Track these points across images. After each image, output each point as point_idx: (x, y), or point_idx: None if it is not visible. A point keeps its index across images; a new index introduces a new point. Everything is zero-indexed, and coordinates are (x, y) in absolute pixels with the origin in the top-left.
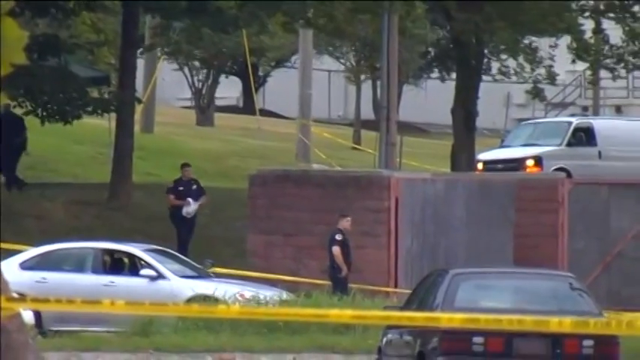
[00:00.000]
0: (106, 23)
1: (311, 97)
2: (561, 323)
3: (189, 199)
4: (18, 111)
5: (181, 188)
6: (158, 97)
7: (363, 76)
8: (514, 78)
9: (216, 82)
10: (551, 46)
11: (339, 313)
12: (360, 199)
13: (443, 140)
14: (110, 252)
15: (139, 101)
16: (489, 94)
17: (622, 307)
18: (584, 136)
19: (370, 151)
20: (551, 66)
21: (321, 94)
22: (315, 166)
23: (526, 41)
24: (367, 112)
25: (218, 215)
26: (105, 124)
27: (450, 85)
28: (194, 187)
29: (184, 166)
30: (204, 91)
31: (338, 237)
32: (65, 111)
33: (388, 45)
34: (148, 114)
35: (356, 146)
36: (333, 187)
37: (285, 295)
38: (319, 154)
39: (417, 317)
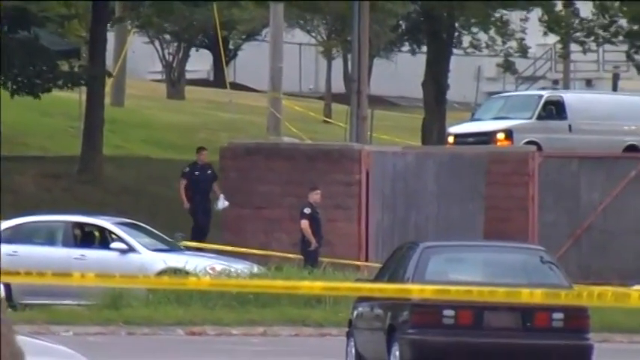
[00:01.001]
0: None
1: (282, 71)
2: (532, 295)
3: (222, 196)
4: None
5: (197, 173)
6: (129, 71)
7: (334, 50)
8: (485, 51)
9: (186, 56)
10: (522, 20)
11: (310, 286)
12: (331, 173)
13: (414, 114)
14: (81, 225)
15: (110, 74)
16: (460, 68)
17: (592, 280)
18: (554, 110)
19: (341, 124)
20: (522, 39)
21: (292, 67)
22: (286, 140)
23: (497, 14)
24: (338, 86)
25: None
26: (75, 97)
27: (421, 59)
28: (209, 171)
29: (200, 149)
30: (174, 65)
31: (307, 210)
32: (35, 84)
33: (359, 18)
34: (119, 87)
35: (327, 119)
36: (304, 161)
37: (255, 269)
38: (290, 128)
39: (388, 289)
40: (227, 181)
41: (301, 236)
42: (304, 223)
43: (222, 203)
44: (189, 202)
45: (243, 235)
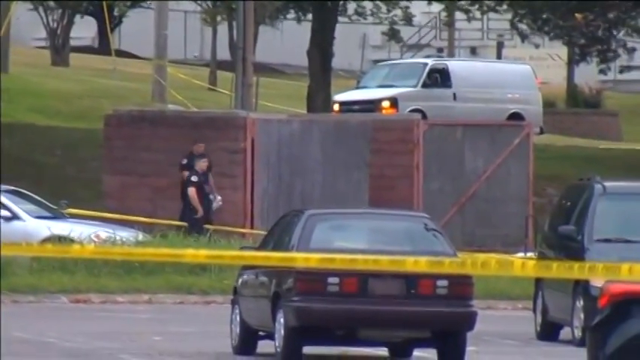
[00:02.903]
0: None
1: (167, 38)
2: (417, 263)
3: (218, 197)
4: None
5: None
6: (13, 37)
7: (219, 17)
8: (370, 19)
9: (71, 22)
10: None
11: (194, 254)
12: (216, 140)
13: (299, 81)
14: None
15: None
16: (345, 36)
17: (476, 247)
18: (439, 78)
19: (226, 92)
20: (407, 7)
21: (177, 34)
22: (171, 107)
23: None
24: (224, 53)
25: (72, 156)
26: None
27: (307, 27)
28: (203, 161)
29: (197, 142)
30: (59, 31)
31: (194, 178)
32: None
33: None
34: (3, 54)
35: (212, 87)
36: (190, 128)
37: (141, 236)
38: (175, 95)
39: (273, 257)
40: (112, 150)
41: (186, 204)
42: (192, 191)
43: (215, 204)
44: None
45: (128, 203)
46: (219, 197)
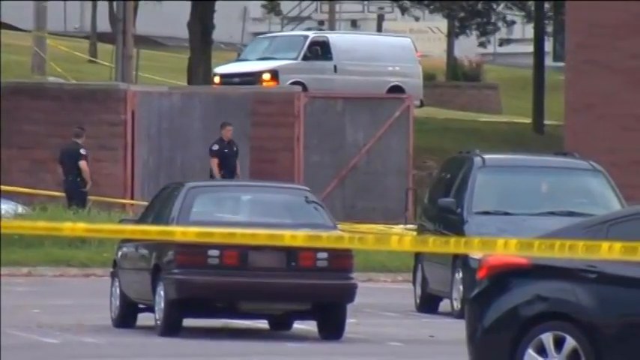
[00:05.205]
0: None
1: (46, 9)
2: (294, 237)
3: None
4: None
5: (226, 150)
6: None
7: None
8: None
9: None
10: None
11: (72, 227)
12: (97, 113)
13: (180, 54)
14: None
15: None
16: (226, 8)
17: (357, 219)
18: (319, 50)
19: (107, 64)
20: None
21: (56, 5)
22: (51, 79)
23: None
24: (104, 25)
25: None
26: None
27: None
28: (235, 148)
29: (224, 125)
30: None
31: (83, 151)
32: None
33: None
34: None
35: (92, 59)
36: (70, 101)
37: (20, 209)
38: (55, 67)
39: (151, 231)
40: None
41: (73, 176)
42: (84, 164)
43: None
44: None
45: (8, 176)
46: None
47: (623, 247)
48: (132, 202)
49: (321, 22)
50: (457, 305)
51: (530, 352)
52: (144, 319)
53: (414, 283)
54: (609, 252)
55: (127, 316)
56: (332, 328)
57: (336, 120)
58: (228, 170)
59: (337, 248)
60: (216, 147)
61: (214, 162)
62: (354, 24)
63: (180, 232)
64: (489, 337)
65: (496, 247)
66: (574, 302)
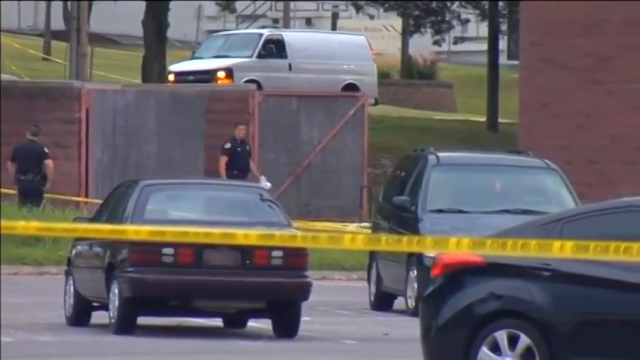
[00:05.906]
0: None
1: (0, 7)
2: (247, 236)
3: (263, 177)
4: None
5: (239, 149)
6: None
7: None
8: None
9: None
10: None
11: (26, 226)
12: (51, 110)
13: (134, 52)
14: None
15: None
16: (180, 6)
17: (311, 217)
18: (274, 48)
19: (61, 61)
20: None
21: (10, 3)
22: (5, 77)
23: None
24: (58, 23)
25: None
26: None
27: None
28: (247, 147)
29: (238, 125)
30: None
31: (47, 150)
32: None
33: None
34: None
35: (46, 57)
36: (24, 99)
37: None
38: (9, 65)
39: (104, 230)
40: None
41: (40, 175)
42: (50, 162)
43: (264, 185)
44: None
45: None
46: (268, 184)
47: (575, 245)
48: (86, 200)
49: (275, 21)
50: (412, 303)
51: (485, 349)
52: (98, 317)
53: (368, 281)
54: (561, 251)
55: (81, 315)
56: (286, 327)
57: (290, 118)
58: (240, 169)
59: (292, 247)
60: (228, 145)
61: (223, 160)
62: (308, 22)
63: (133, 231)
64: (444, 335)
65: (449, 246)
66: (528, 300)
